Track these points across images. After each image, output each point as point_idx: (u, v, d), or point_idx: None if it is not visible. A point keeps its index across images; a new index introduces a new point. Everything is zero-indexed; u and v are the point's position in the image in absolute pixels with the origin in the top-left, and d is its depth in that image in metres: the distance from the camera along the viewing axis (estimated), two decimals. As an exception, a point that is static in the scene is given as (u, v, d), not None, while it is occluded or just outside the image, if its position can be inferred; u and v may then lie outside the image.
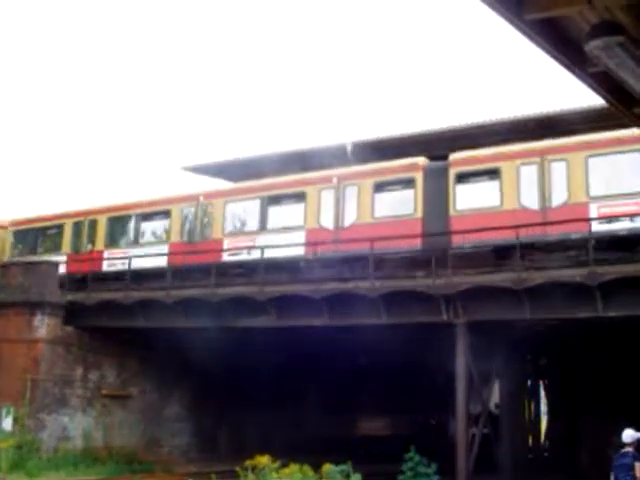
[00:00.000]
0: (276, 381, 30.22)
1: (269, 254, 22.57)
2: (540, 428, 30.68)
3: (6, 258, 31.03)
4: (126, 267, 26.42)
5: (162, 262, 26.11)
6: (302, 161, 27.15)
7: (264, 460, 15.60)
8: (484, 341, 20.31)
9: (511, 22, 6.67)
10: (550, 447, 29.97)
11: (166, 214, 27.35)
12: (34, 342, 25.79)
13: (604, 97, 8.28)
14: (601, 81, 7.86)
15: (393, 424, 31.03)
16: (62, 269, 28.35)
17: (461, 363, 19.41)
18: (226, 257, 24.86)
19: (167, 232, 27.26)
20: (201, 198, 26.43)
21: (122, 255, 27.55)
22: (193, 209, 26.50)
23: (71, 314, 26.35)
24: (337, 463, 16.43)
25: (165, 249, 26.61)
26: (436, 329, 20.90)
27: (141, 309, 25.07)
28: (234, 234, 25.28)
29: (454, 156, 21.53)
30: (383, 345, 26.13)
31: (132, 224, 28.42)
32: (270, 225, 24.45)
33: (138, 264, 26.03)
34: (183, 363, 28.48)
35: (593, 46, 6.74)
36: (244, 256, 24.42)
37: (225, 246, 25.15)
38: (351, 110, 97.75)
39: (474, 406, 21.26)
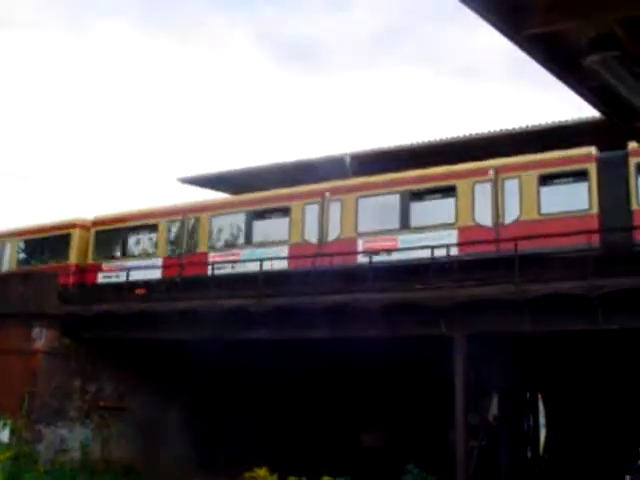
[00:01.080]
0: (275, 393, 30.14)
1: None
2: (539, 440, 30.60)
3: (89, 260, 29.55)
4: (235, 271, 24.78)
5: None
6: (301, 172, 27.19)
7: (262, 473, 15.60)
8: (483, 353, 20.28)
9: (509, 37, 6.69)
10: (549, 459, 29.89)
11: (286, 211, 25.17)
12: (32, 354, 25.73)
13: (603, 112, 8.30)
14: (600, 96, 7.88)
15: (392, 436, 30.87)
16: (156, 274, 26.93)
17: (460, 375, 19.37)
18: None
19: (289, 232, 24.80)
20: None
21: (232, 258, 25.34)
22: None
23: (69, 326, 26.29)
24: (336, 476, 16.40)
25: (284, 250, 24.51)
26: (435, 341, 20.85)
27: (140, 321, 25.02)
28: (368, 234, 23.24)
29: (633, 145, 19.46)
30: (382, 357, 26.09)
31: (243, 222, 25.88)
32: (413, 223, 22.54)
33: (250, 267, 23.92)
34: (182, 375, 28.43)
35: (591, 61, 6.77)
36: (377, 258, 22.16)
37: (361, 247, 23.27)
38: (348, 122, 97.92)
39: (473, 418, 21.20)
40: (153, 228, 28.12)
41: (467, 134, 25.09)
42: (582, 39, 6.82)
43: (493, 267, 19.79)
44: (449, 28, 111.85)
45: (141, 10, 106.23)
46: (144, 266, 27.13)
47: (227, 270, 25.04)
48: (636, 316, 17.08)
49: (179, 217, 27.38)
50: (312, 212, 24.29)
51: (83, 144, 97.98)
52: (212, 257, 25.86)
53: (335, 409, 31.21)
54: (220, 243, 26.49)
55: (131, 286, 26.65)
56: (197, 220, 26.93)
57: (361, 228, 23.23)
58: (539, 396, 30.73)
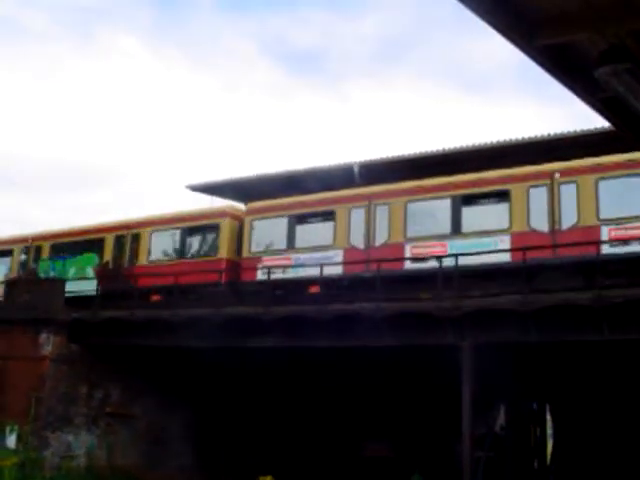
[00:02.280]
0: (280, 402, 30.12)
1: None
2: (546, 451, 30.46)
3: (246, 254, 25.89)
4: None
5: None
6: (309, 180, 27.23)
7: (268, 481, 15.59)
8: (490, 363, 20.24)
9: (522, 48, 6.73)
10: (556, 470, 29.75)
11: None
12: (39, 360, 25.75)
13: (613, 123, 8.32)
14: (610, 106, 7.90)
15: (397, 446, 30.78)
16: (334, 270, 22.95)
17: (467, 385, 19.33)
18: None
19: None
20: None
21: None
22: None
23: (77, 332, 26.31)
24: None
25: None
26: (441, 351, 20.81)
27: (147, 328, 25.03)
28: None
29: None
30: (388, 366, 26.06)
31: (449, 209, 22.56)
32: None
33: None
34: (187, 382, 28.43)
35: (602, 72, 6.79)
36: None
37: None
38: (356, 131, 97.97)
39: (479, 428, 21.13)
40: (329, 215, 24.65)
41: (475, 144, 25.12)
42: (593, 50, 6.85)
43: (505, 276, 19.78)
44: (459, 39, 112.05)
45: (150, 22, 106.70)
46: (318, 260, 23.43)
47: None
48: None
49: (363, 203, 23.97)
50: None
51: (89, 152, 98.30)
52: (411, 249, 22.76)
53: (340, 418, 31.14)
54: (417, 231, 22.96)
55: (304, 283, 23.73)
56: (390, 206, 23.47)
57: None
58: (546, 407, 30.61)
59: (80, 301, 27.32)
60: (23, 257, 32.56)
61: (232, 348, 24.13)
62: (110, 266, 29.28)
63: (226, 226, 26.42)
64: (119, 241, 29.22)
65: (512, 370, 22.29)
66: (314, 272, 22.85)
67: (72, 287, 28.03)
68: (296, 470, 28.98)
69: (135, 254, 28.69)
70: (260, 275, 24.86)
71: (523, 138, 24.33)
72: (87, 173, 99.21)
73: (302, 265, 23.95)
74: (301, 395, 30.60)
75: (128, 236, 28.93)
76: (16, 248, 32.81)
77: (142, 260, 28.43)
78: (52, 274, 30.31)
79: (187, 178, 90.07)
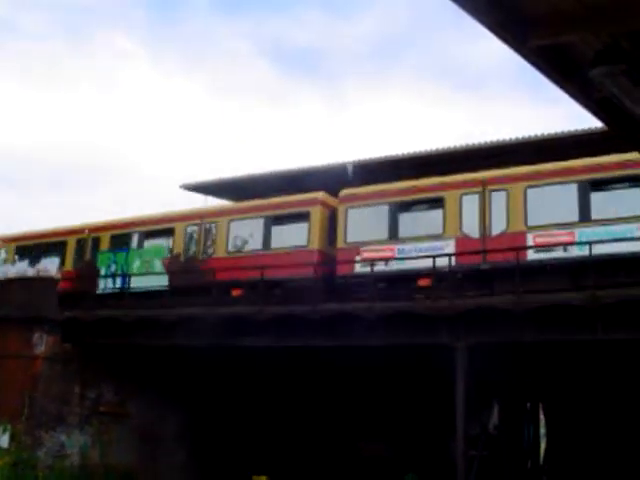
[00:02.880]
0: (274, 402, 30.11)
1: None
2: (539, 451, 30.50)
3: (341, 245, 23.78)
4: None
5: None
6: (303, 180, 27.19)
7: (262, 480, 15.58)
8: (484, 363, 20.26)
9: (515, 49, 6.72)
10: (549, 470, 29.79)
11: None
12: (32, 359, 25.70)
13: (607, 123, 8.31)
14: (604, 107, 7.90)
15: (392, 446, 30.79)
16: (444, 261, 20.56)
17: (461, 385, 19.35)
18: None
19: None
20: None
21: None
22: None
23: (70, 331, 26.25)
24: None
25: None
26: (435, 350, 20.81)
27: (140, 327, 24.99)
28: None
29: None
30: (382, 366, 26.05)
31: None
32: None
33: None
34: (181, 381, 28.40)
35: (597, 73, 6.78)
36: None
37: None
38: (350, 130, 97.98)
39: (473, 428, 21.15)
40: (437, 202, 22.69)
41: (470, 143, 25.11)
42: (588, 51, 6.84)
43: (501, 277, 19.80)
44: (455, 39, 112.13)
45: (146, 22, 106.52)
46: (428, 251, 21.54)
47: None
48: (636, 327, 17.09)
49: (477, 189, 22.14)
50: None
51: (82, 152, 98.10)
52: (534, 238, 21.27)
53: (335, 418, 31.15)
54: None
55: (411, 276, 21.70)
56: (509, 191, 21.73)
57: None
58: (540, 406, 30.65)
59: (149, 296, 26.04)
60: (79, 249, 30.32)
61: (226, 347, 24.10)
62: (182, 258, 27.19)
63: (317, 214, 24.34)
64: (191, 231, 27.20)
65: (506, 370, 22.31)
66: (421, 264, 21.20)
67: (137, 282, 26.70)
68: (291, 470, 28.99)
69: (211, 245, 26.65)
70: (359, 268, 22.94)
71: (517, 138, 24.29)
72: (79, 173, 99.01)
73: (411, 257, 21.86)
74: (296, 394, 30.59)
75: (202, 225, 26.81)
76: (70, 240, 30.56)
77: (219, 252, 26.32)
78: (114, 267, 28.78)
79: (182, 178, 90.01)
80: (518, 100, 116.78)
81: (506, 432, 23.94)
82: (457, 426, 19.41)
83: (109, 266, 28.88)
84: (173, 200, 79.89)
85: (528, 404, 28.92)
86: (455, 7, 5.98)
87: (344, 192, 24.49)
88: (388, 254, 22.59)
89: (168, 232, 27.69)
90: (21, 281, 28.04)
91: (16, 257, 32.02)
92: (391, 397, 30.26)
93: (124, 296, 26.40)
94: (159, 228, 28.12)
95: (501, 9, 6.30)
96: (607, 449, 25.91)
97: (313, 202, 24.69)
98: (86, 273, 29.22)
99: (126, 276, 27.57)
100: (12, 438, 24.81)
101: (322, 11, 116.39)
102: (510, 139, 24.38)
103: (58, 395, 25.70)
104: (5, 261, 32.07)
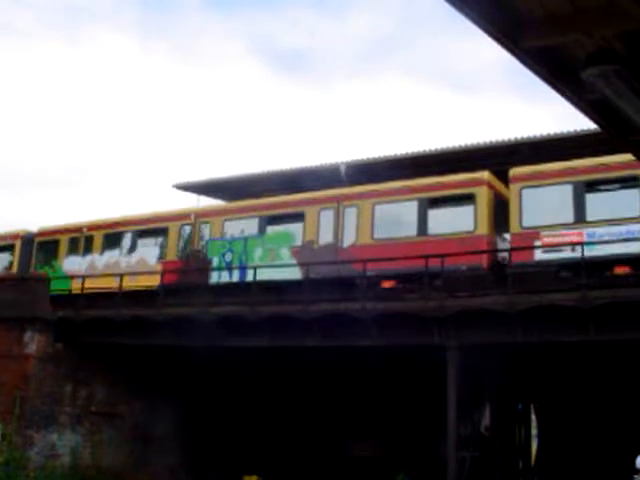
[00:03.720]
0: (266, 401, 30.10)
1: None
2: (530, 451, 30.58)
3: (516, 229, 21.09)
4: None
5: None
6: (296, 180, 27.21)
7: (253, 480, 15.58)
8: (475, 364, 20.29)
9: (509, 50, 6.73)
10: (540, 471, 29.87)
11: None
12: (24, 358, 25.61)
13: (600, 124, 8.34)
14: (597, 108, 7.92)
15: (382, 446, 30.82)
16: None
17: (452, 385, 19.38)
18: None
19: None
20: None
21: None
22: None
23: (62, 331, 26.18)
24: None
25: None
26: (427, 351, 20.84)
27: (132, 327, 24.94)
28: None
29: None
30: (374, 366, 26.07)
31: None
32: None
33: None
34: (173, 381, 28.35)
35: (589, 74, 6.80)
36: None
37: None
38: (343, 130, 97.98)
39: (465, 428, 21.18)
40: (634, 181, 19.84)
41: (464, 144, 25.15)
42: (581, 52, 6.86)
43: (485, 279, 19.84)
44: (446, 39, 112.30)
45: (138, 20, 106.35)
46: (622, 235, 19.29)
47: None
48: (628, 328, 17.17)
49: None
50: None
51: (73, 150, 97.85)
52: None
53: (326, 418, 31.18)
54: None
55: (605, 264, 19.36)
56: None
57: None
58: (531, 407, 30.73)
59: (279, 290, 23.29)
60: (184, 236, 27.14)
61: (219, 347, 24.07)
62: (315, 246, 24.20)
63: (483, 196, 21.87)
64: (326, 215, 24.16)
65: (497, 370, 22.34)
66: (616, 250, 18.99)
67: (261, 274, 23.64)
68: (283, 469, 29.00)
69: (352, 231, 23.66)
70: (540, 254, 20.36)
71: (516, 138, 24.30)
72: (67, 171, 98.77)
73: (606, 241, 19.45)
74: (288, 395, 30.60)
75: (340, 209, 23.95)
76: (172, 226, 27.50)
77: (363, 238, 23.41)
78: (229, 256, 25.72)
79: (174, 177, 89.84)
80: (510, 99, 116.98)
81: (497, 433, 23.96)
82: (448, 426, 19.45)
83: (223, 255, 25.83)
84: (164, 199, 79.54)
85: (520, 405, 29.00)
86: (448, 7, 5.99)
87: (516, 170, 22.00)
88: (576, 238, 19.93)
89: (297, 217, 24.78)
90: (12, 280, 27.94)
91: (104, 246, 29.17)
92: (382, 397, 30.31)
93: (250, 289, 23.17)
94: (286, 213, 25.15)
95: (494, 10, 6.32)
96: (598, 449, 26.00)
97: (478, 182, 22.19)
98: (195, 264, 26.45)
99: (246, 268, 24.71)
100: (3, 438, 24.71)
101: (314, 10, 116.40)
102: (509, 139, 24.36)
103: (49, 395, 25.61)
104: (92, 250, 29.43)
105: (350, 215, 23.69)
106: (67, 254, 30.20)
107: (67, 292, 28.27)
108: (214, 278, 25.35)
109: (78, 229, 30.22)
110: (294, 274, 23.67)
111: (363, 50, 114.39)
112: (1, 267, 32.00)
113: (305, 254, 23.93)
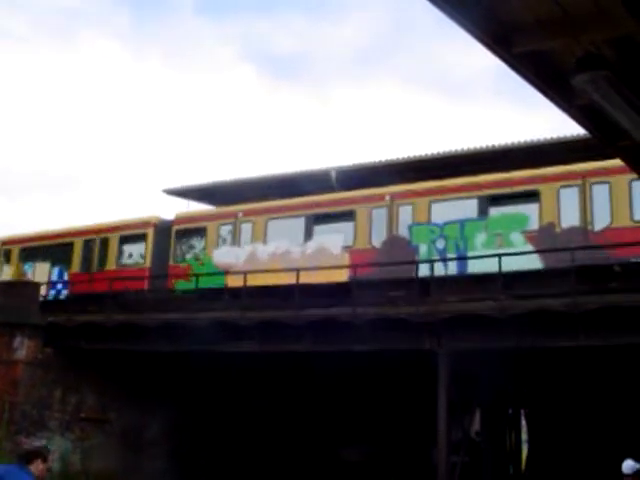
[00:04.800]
0: (257, 406, 30.03)
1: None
2: (521, 457, 30.61)
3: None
4: None
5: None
6: (287, 186, 27.19)
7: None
8: (466, 369, 20.31)
9: (498, 55, 6.76)
10: (530, 476, 29.89)
11: None
12: (13, 363, 25.48)
13: (589, 130, 8.38)
14: (586, 114, 7.96)
15: (373, 452, 30.80)
16: None
17: (443, 391, 19.39)
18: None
19: None
20: None
21: None
22: None
23: (52, 336, 26.07)
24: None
25: None
26: (418, 356, 20.84)
27: (122, 332, 24.85)
28: None
29: None
30: (364, 371, 26.06)
31: None
32: None
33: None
34: (164, 387, 28.25)
35: (579, 80, 6.82)
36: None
37: None
38: (334, 136, 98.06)
39: (455, 433, 21.19)
40: None
41: (453, 149, 25.16)
42: (571, 58, 6.88)
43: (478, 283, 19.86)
44: (439, 45, 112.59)
45: (130, 25, 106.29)
46: None
47: None
48: (618, 333, 17.20)
49: None
50: None
51: (64, 154, 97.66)
52: None
53: (317, 423, 31.14)
54: None
55: None
56: None
57: None
58: (522, 412, 30.77)
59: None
60: (377, 220, 23.18)
61: (209, 352, 24.02)
62: (557, 230, 20.39)
63: None
64: (568, 194, 20.39)
65: (488, 376, 22.37)
66: None
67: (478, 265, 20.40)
68: (273, 475, 28.93)
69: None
70: None
71: (506, 144, 24.32)
72: (56, 176, 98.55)
73: None
74: (279, 400, 30.54)
75: (586, 185, 20.27)
76: (360, 210, 23.45)
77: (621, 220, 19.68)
78: (440, 245, 21.83)
79: (165, 182, 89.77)
80: (501, 105, 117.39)
81: (488, 438, 24.01)
82: (439, 431, 19.44)
83: (433, 242, 22.06)
84: (154, 204, 79.36)
85: (510, 410, 29.04)
86: (440, 13, 6.01)
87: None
88: None
89: (530, 195, 21.06)
90: (2, 285, 27.83)
91: (269, 234, 25.10)
92: (373, 402, 30.30)
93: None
94: (515, 192, 21.37)
95: (484, 16, 6.34)
96: (588, 455, 26.03)
97: None
98: (397, 252, 22.46)
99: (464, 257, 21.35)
100: (-8, 443, 24.60)
101: (308, 15, 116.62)
102: (503, 144, 24.34)
103: (39, 400, 25.49)
104: (252, 239, 25.27)
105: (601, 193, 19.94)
106: (218, 244, 26.08)
107: (221, 290, 24.56)
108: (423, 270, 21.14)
109: (231, 214, 26.26)
110: (531, 263, 20.11)
111: (357, 55, 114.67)
112: (132, 262, 28.15)
113: (545, 239, 20.39)
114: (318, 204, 24.39)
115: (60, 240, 30.48)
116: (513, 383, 26.96)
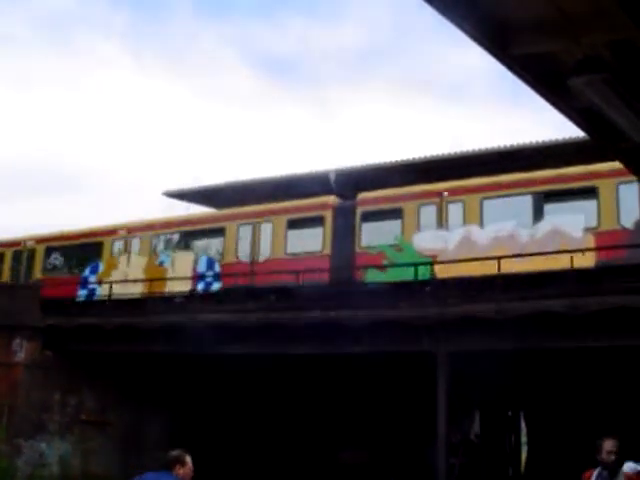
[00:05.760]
0: (257, 409, 29.99)
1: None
2: (520, 459, 30.58)
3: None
4: None
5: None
6: (288, 188, 27.18)
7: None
8: (465, 371, 20.29)
9: (496, 57, 6.74)
10: (530, 478, 29.87)
11: None
12: (12, 366, 25.44)
13: (588, 132, 8.37)
14: (585, 116, 7.95)
15: (372, 453, 30.74)
16: None
17: (442, 392, 19.37)
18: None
19: None
20: None
21: None
22: None
23: (51, 338, 26.02)
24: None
25: None
26: (417, 358, 20.83)
27: (122, 334, 24.82)
28: None
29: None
30: (363, 373, 26.03)
31: None
32: None
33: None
34: (164, 389, 28.20)
35: (578, 82, 6.81)
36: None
37: None
38: (332, 138, 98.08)
39: (454, 435, 21.18)
40: None
41: (453, 152, 25.16)
42: (569, 60, 6.87)
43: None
44: (437, 47, 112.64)
45: (128, 27, 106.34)
46: None
47: None
48: (618, 334, 17.18)
49: None
50: None
51: (64, 155, 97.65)
52: None
53: (316, 425, 31.09)
54: None
55: None
56: None
57: None
58: (521, 414, 30.74)
59: None
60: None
61: (209, 355, 23.99)
62: None
63: None
64: None
65: (487, 377, 22.35)
66: None
67: None
68: (273, 477, 28.88)
69: None
70: None
71: (506, 146, 24.33)
72: (55, 178, 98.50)
73: None
74: (278, 402, 30.50)
75: None
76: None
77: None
78: None
79: (163, 185, 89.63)
80: (501, 107, 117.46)
81: (487, 440, 24.02)
82: (438, 433, 19.42)
83: None
84: (154, 207, 79.30)
85: (509, 412, 29.03)
86: (437, 15, 6.01)
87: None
88: None
89: None
90: (1, 286, 27.80)
91: (485, 214, 21.65)
92: (373, 404, 30.26)
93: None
94: None
95: (482, 17, 6.33)
96: (588, 457, 25.98)
97: None
98: None
99: None
100: (-9, 446, 24.56)
101: (305, 18, 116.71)
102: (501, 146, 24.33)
103: (38, 403, 25.44)
104: (463, 221, 21.94)
105: None
106: (420, 227, 22.70)
107: (428, 280, 21.45)
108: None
109: (433, 193, 22.72)
110: None
111: (354, 58, 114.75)
112: (308, 249, 24.49)
113: None
114: (548, 180, 20.97)
115: (206, 226, 26.94)
116: (512, 385, 26.96)
